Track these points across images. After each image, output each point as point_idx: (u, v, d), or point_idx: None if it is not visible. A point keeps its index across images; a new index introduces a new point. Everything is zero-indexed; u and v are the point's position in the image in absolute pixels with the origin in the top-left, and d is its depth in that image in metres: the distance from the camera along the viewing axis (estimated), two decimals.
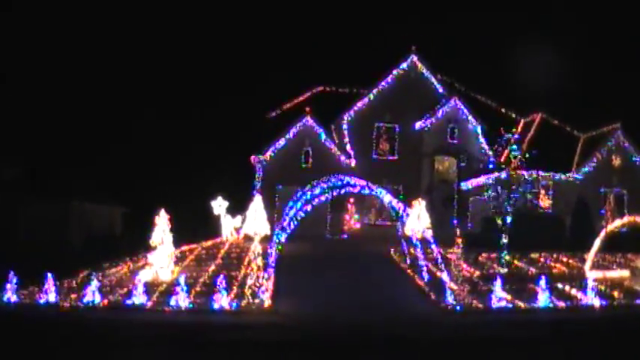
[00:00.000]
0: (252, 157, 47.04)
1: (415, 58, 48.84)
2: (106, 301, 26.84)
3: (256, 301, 25.89)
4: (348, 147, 47.33)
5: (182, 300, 25.98)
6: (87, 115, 63.70)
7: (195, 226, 45.19)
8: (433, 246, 31.96)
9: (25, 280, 28.88)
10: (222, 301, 25.90)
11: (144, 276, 30.80)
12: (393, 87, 48.59)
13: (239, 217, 46.79)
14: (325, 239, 44.36)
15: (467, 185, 47.09)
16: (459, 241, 32.00)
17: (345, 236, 44.99)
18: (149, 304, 26.28)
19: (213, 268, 32.20)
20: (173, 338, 22.39)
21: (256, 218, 40.33)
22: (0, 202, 47.17)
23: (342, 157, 46.65)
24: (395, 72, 48.69)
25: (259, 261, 26.25)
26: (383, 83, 48.44)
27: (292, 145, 46.65)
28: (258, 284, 26.25)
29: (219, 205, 43.29)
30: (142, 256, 37.67)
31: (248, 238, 40.77)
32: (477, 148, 48.21)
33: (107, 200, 54.03)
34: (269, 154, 46.46)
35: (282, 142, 46.46)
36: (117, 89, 67.59)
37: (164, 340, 22.18)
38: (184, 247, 37.51)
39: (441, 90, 48.90)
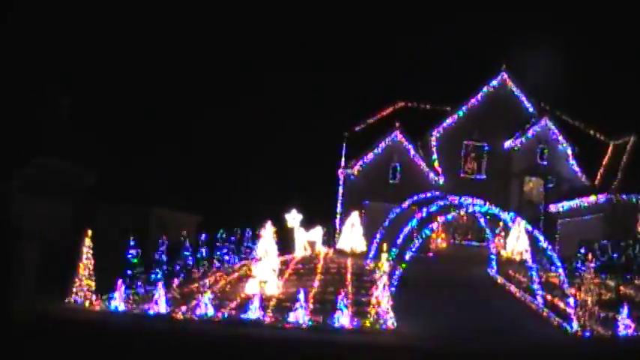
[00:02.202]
0: (340, 171, 46.32)
1: (505, 76, 47.82)
2: (219, 315, 26.17)
3: (380, 321, 25.05)
4: (436, 164, 46.31)
5: (302, 317, 25.25)
6: (162, 122, 63.33)
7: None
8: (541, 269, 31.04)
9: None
10: (343, 319, 25.14)
11: (249, 289, 30.21)
12: (482, 104, 47.60)
13: (314, 232, 46.27)
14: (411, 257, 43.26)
15: (557, 207, 45.84)
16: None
17: (432, 255, 43.99)
18: (267, 319, 25.57)
19: (317, 283, 31.48)
20: (297, 356, 21.60)
21: (352, 234, 40.12)
22: (79, 211, 46.89)
23: (431, 174, 45.70)
24: (485, 89, 47.60)
25: (384, 279, 25.28)
26: (472, 100, 47.39)
27: (380, 160, 45.87)
28: (381, 304, 25.35)
29: (292, 219, 42.73)
30: (227, 268, 37.29)
31: (341, 253, 40.29)
32: (566, 169, 46.96)
33: (182, 208, 53.61)
34: (357, 168, 45.62)
35: (370, 156, 45.64)
36: (196, 97, 67.28)
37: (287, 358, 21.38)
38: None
39: (531, 109, 47.78)
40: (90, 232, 28.75)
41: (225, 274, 35.84)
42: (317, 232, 46.45)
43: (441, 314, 27.25)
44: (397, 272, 27.18)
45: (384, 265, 25.72)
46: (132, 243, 34.43)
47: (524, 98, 47.93)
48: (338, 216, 47.27)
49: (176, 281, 33.60)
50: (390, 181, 45.84)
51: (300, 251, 41.12)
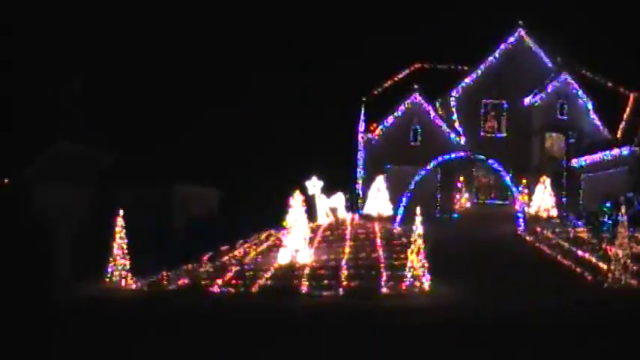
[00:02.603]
0: (361, 135, 46.23)
1: (522, 32, 47.52)
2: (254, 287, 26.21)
3: (417, 284, 25.15)
4: (456, 124, 46.17)
5: (338, 283, 25.35)
6: (174, 96, 63.18)
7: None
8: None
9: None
10: (380, 283, 25.26)
11: (281, 259, 30.35)
12: (499, 62, 47.42)
13: (335, 198, 46.32)
14: (436, 219, 43.28)
15: (579, 162, 45.67)
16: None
17: (456, 215, 43.97)
18: (303, 287, 25.67)
19: (348, 250, 31.57)
20: (342, 322, 21.60)
21: (378, 198, 40.17)
22: (100, 190, 46.96)
23: (452, 135, 45.58)
24: (502, 46, 47.30)
25: (419, 243, 25.31)
26: (490, 58, 47.18)
27: (400, 123, 45.77)
28: (417, 267, 25.40)
29: (313, 186, 42.74)
30: (253, 239, 37.37)
31: (368, 218, 40.36)
32: (587, 124, 46.73)
33: (203, 182, 53.64)
34: (377, 132, 45.50)
35: (390, 119, 45.52)
36: (209, 69, 67.00)
37: (334, 325, 21.34)
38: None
39: (549, 64, 47.48)
40: (122, 212, 28.66)
41: (253, 244, 35.95)
42: (338, 199, 46.61)
43: (473, 274, 27.17)
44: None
45: (418, 227, 25.68)
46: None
47: (542, 54, 47.64)
48: (360, 181, 47.27)
49: (206, 256, 33.63)
50: (411, 144, 45.79)
51: (322, 218, 41.18)
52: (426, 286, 25.17)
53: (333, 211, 45.12)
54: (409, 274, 25.32)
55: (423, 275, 25.28)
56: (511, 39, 47.52)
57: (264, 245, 35.02)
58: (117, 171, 49.47)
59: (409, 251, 25.60)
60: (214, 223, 46.24)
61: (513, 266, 29.32)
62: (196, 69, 65.87)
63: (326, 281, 25.87)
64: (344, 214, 45.41)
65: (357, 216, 42.32)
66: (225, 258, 32.69)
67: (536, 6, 52.14)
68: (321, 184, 42.83)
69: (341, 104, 59.16)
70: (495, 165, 36.90)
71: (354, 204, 47.07)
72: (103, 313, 22.24)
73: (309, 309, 23.18)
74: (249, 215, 44.47)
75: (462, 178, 44.99)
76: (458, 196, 45.21)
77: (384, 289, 25.08)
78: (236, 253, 34.05)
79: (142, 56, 62.93)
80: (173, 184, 48.79)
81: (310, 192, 42.34)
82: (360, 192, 47.05)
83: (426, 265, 25.47)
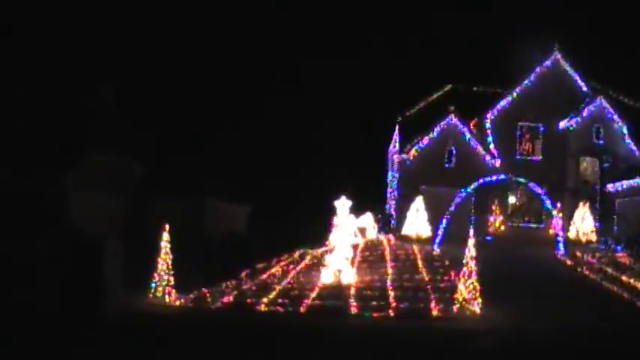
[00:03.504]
0: (396, 156, 46.14)
1: (559, 56, 47.42)
2: (302, 308, 25.99)
3: (468, 307, 24.93)
4: (492, 147, 46.01)
5: (388, 305, 25.15)
6: (206, 108, 63.41)
7: (318, 227, 44.34)
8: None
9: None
10: (430, 306, 25.04)
11: (325, 278, 30.18)
12: (535, 85, 47.27)
13: (364, 218, 46.17)
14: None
15: (615, 187, 45.38)
16: None
17: (489, 238, 43.69)
18: (353, 308, 25.47)
19: (390, 270, 31.37)
20: (387, 344, 21.40)
21: (417, 219, 40.00)
22: (132, 202, 46.85)
23: (487, 157, 45.41)
24: (538, 69, 47.22)
25: (470, 266, 25.13)
26: (526, 81, 47.06)
27: (435, 144, 45.60)
28: (468, 290, 25.21)
29: (342, 205, 42.43)
30: (288, 257, 37.19)
31: (405, 239, 40.17)
32: (622, 148, 46.49)
33: (232, 198, 53.51)
34: (412, 152, 45.37)
35: (425, 140, 45.37)
36: (244, 83, 67.26)
37: (387, 347, 21.12)
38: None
39: (585, 88, 47.33)
40: (167, 227, 28.58)
41: (289, 263, 35.77)
42: (367, 219, 46.46)
43: (520, 298, 26.96)
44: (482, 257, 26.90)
45: (472, 249, 25.50)
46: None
47: (577, 77, 47.54)
48: (394, 201, 47.13)
49: (244, 273, 33.43)
50: (446, 165, 45.58)
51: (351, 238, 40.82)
52: (477, 309, 24.92)
53: (362, 230, 44.99)
54: (460, 297, 25.05)
55: (475, 299, 25.02)
56: (547, 62, 47.43)
57: (302, 264, 34.81)
58: (148, 183, 49.37)
59: (461, 273, 25.37)
60: (245, 240, 46.17)
61: (559, 290, 29.09)
62: (231, 82, 66.15)
63: (374, 302, 25.59)
64: (373, 234, 45.30)
65: (391, 236, 42.05)
66: (264, 276, 32.50)
67: (571, 29, 51.95)
68: (350, 203, 42.53)
69: (372, 124, 59.31)
70: (536, 188, 36.70)
71: (386, 224, 46.89)
72: (153, 331, 22.15)
73: (359, 330, 23.00)
74: (277, 233, 44.28)
75: (496, 201, 44.71)
76: (492, 219, 44.91)
77: (435, 312, 24.81)
78: (273, 271, 33.82)
79: (176, 70, 63.19)
80: (204, 198, 48.64)
81: (339, 212, 42.02)
82: (393, 212, 46.82)
83: (478, 288, 25.22)
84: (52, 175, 44.52)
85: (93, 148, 47.64)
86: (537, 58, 47.70)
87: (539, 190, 37.13)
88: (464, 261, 25.78)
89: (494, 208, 44.96)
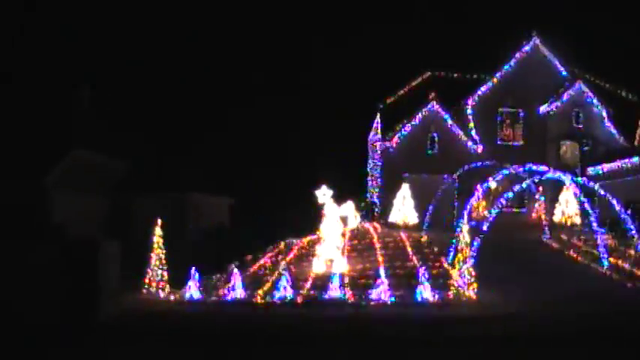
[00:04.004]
0: (378, 143, 46.12)
1: (538, 41, 47.66)
2: (299, 298, 25.99)
3: (465, 292, 25.08)
4: (473, 132, 46.19)
5: (384, 293, 25.20)
6: (181, 103, 63.06)
7: (300, 217, 44.28)
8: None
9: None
10: (426, 293, 25.13)
11: (317, 268, 30.19)
12: (515, 71, 47.51)
13: (345, 207, 46.08)
14: (454, 227, 43.14)
15: (595, 170, 45.79)
16: None
17: (474, 224, 43.81)
18: (349, 297, 25.50)
19: (380, 258, 31.43)
20: (388, 332, 21.47)
21: (404, 206, 40.06)
22: (114, 199, 46.51)
23: (469, 143, 45.60)
24: (517, 55, 47.46)
25: (465, 252, 25.27)
26: (506, 67, 47.27)
27: (417, 131, 45.69)
28: (464, 275, 25.34)
29: (323, 195, 42.36)
30: (274, 249, 37.09)
31: (392, 227, 40.23)
32: (602, 132, 46.93)
33: (214, 191, 53.24)
34: (395, 140, 45.42)
35: (407, 128, 45.42)
36: (217, 74, 66.91)
37: (374, 337, 21.14)
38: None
39: (564, 73, 47.66)
40: (160, 222, 28.40)
41: (277, 254, 35.69)
42: (348, 207, 46.39)
43: (512, 282, 27.18)
44: (475, 242, 27.03)
45: (465, 235, 25.65)
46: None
47: (557, 62, 47.80)
48: (377, 189, 47.18)
49: (232, 266, 33.17)
50: (429, 152, 45.69)
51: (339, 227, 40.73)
52: (473, 295, 25.08)
53: (344, 219, 44.90)
54: (456, 283, 25.20)
55: (470, 284, 25.17)
56: (526, 48, 47.66)
57: (291, 255, 34.71)
58: (129, 180, 48.95)
59: (456, 259, 25.50)
60: (228, 232, 46.02)
61: (549, 273, 29.45)
62: (208, 76, 65.80)
63: (371, 290, 25.63)
64: (354, 223, 45.26)
65: (376, 224, 42.05)
66: (254, 267, 32.39)
67: (549, 14, 52.23)
68: (331, 192, 42.47)
69: (351, 112, 59.32)
70: (522, 173, 36.91)
71: (369, 212, 46.90)
72: (152, 328, 22.06)
73: (360, 320, 23.01)
74: (260, 224, 44.19)
75: (478, 186, 44.83)
76: (476, 205, 45.05)
77: (431, 298, 24.92)
78: (262, 262, 33.72)
79: (155, 66, 62.77)
80: (186, 192, 48.31)
81: (320, 201, 41.95)
82: (377, 200, 46.88)
83: (473, 273, 25.37)
84: (33, 175, 44.17)
85: (74, 145, 47.24)
86: (516, 44, 47.87)
87: (525, 176, 37.28)
88: (458, 247, 25.87)
89: (476, 193, 44.97)
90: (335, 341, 20.26)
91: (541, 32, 47.78)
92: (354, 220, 46.12)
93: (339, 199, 44.12)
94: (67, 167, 46.84)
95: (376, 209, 46.48)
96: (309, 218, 42.65)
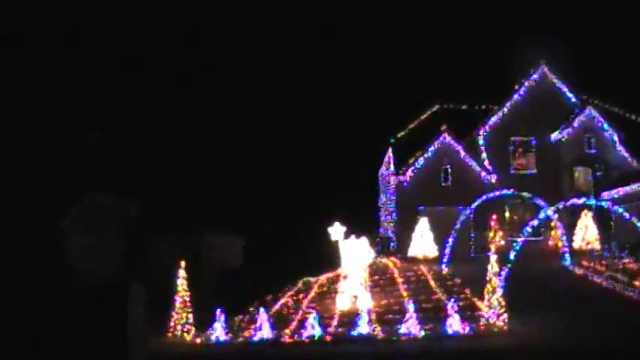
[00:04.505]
0: (392, 178, 46.05)
1: (546, 69, 47.79)
2: (328, 336, 25.70)
3: (495, 323, 24.84)
4: (486, 163, 46.13)
5: (414, 327, 24.96)
6: (190, 141, 63.29)
7: (315, 255, 43.95)
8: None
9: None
10: (455, 325, 24.89)
11: (341, 305, 29.97)
12: (525, 99, 47.55)
13: (359, 242, 45.80)
14: (472, 258, 42.88)
15: (610, 195, 45.59)
16: None
17: (490, 254, 43.52)
18: (379, 333, 25.27)
19: (404, 293, 31.23)
20: None
21: (423, 240, 39.87)
22: (127, 243, 46.46)
23: (483, 173, 45.52)
24: (526, 84, 47.59)
25: (494, 282, 25.07)
26: (515, 96, 47.36)
27: (430, 164, 45.60)
28: (493, 306, 25.12)
29: (336, 231, 42.17)
30: (293, 287, 36.85)
31: (412, 261, 40.02)
32: (615, 156, 46.84)
33: (226, 231, 53.14)
34: (408, 173, 45.34)
35: (420, 161, 45.37)
36: (227, 112, 67.17)
37: None
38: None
39: (573, 99, 47.74)
40: (184, 264, 28.24)
41: (297, 292, 35.46)
42: (362, 243, 46.07)
43: (540, 311, 26.94)
44: (504, 272, 26.84)
45: (494, 265, 25.49)
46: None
47: (565, 89, 47.89)
48: (392, 223, 47.02)
49: (253, 307, 32.79)
50: (442, 184, 45.59)
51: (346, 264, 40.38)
52: (504, 325, 24.84)
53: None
54: (486, 314, 24.98)
55: (500, 315, 24.95)
56: (535, 76, 47.79)
57: (312, 293, 34.49)
58: (143, 221, 48.96)
59: (485, 290, 25.32)
60: (244, 272, 45.81)
61: (577, 300, 29.13)
62: (215, 113, 66.09)
63: (399, 325, 25.40)
64: (369, 259, 44.99)
65: (393, 258, 41.81)
66: (276, 307, 32.16)
67: (552, 42, 52.40)
68: (343, 229, 42.27)
69: (360, 148, 59.36)
70: (540, 202, 36.84)
71: (385, 247, 46.69)
72: None
73: (392, 355, 22.78)
74: (275, 263, 43.98)
75: (494, 216, 44.75)
76: (491, 235, 44.88)
77: (461, 331, 24.67)
78: (283, 301, 33.48)
79: (162, 102, 63.08)
80: (202, 233, 48.26)
81: (333, 238, 41.69)
82: (392, 235, 46.72)
83: (503, 303, 25.15)
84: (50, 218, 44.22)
85: (88, 187, 47.36)
86: (524, 72, 48.02)
87: (542, 203, 37.18)
88: (487, 277, 25.71)
89: (492, 223, 44.87)
90: None
91: (548, 60, 47.85)
92: (368, 255, 45.82)
93: (353, 234, 43.97)
94: (83, 210, 47.02)
95: (392, 243, 46.26)
96: (323, 256, 42.48)
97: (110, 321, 22.32)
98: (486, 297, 25.53)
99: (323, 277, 37.71)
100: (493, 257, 25.70)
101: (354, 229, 44.64)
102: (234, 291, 36.99)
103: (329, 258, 41.43)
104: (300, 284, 37.85)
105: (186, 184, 57.27)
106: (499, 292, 25.42)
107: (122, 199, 49.76)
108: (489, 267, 25.66)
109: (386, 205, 50.45)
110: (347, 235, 42.67)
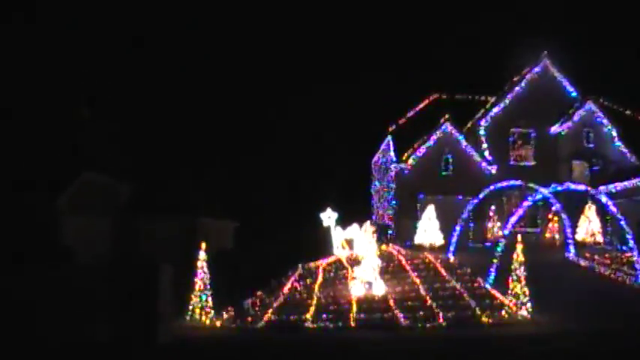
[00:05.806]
0: (392, 165, 46.05)
1: (547, 62, 48.03)
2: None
3: (519, 312, 25.00)
4: (486, 153, 46.30)
5: (437, 315, 25.01)
6: (187, 124, 62.88)
7: (305, 240, 43.92)
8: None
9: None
10: (478, 313, 25.01)
11: (355, 291, 29.90)
12: (526, 91, 47.74)
13: (351, 229, 45.86)
14: (470, 248, 42.92)
15: (608, 189, 45.96)
16: None
17: (489, 244, 43.85)
18: (401, 320, 25.27)
19: (417, 280, 31.24)
20: (447, 354, 21.29)
21: (429, 228, 39.94)
22: (119, 223, 46.08)
23: (483, 164, 45.70)
24: (528, 76, 47.79)
25: (520, 271, 25.20)
26: (517, 88, 47.55)
27: (432, 153, 45.68)
28: (517, 295, 25.27)
29: (328, 217, 42.20)
30: (296, 272, 36.70)
31: (417, 248, 40.07)
32: (613, 151, 47.26)
33: (220, 214, 52.84)
34: (410, 162, 45.39)
35: (422, 149, 45.43)
36: (225, 98, 66.80)
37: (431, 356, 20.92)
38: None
39: (574, 93, 48.03)
40: (204, 245, 28.00)
41: (303, 278, 35.29)
42: (354, 230, 46.12)
43: (556, 301, 27.06)
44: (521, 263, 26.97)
45: (520, 255, 25.62)
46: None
47: (566, 83, 48.14)
48: (391, 211, 47.07)
49: (260, 291, 32.62)
50: (443, 173, 45.71)
51: (337, 250, 40.47)
52: (527, 314, 25.00)
53: (349, 242, 44.66)
54: (511, 302, 25.14)
55: (524, 304, 25.11)
56: (536, 68, 48.00)
57: (320, 278, 34.34)
58: (134, 203, 48.54)
59: (510, 279, 25.45)
60: (239, 256, 45.53)
61: (586, 291, 29.40)
62: (213, 99, 65.71)
63: (421, 312, 25.45)
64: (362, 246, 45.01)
65: (392, 246, 41.83)
66: (286, 292, 31.98)
67: (556, 35, 52.69)
68: (335, 215, 42.26)
69: (355, 135, 59.39)
70: (547, 193, 37.02)
71: (383, 235, 46.66)
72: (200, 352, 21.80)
73: (416, 342, 22.77)
74: (265, 247, 43.89)
75: (492, 207, 44.96)
76: (490, 225, 45.12)
77: (485, 319, 24.78)
78: (290, 286, 33.28)
79: (161, 90, 62.56)
80: (195, 216, 47.89)
81: (325, 224, 41.68)
82: (390, 223, 46.76)
83: (527, 292, 25.32)
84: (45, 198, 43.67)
85: (83, 168, 46.82)
86: (527, 65, 48.26)
87: (547, 195, 37.39)
88: (512, 266, 25.85)
89: (491, 214, 45.10)
90: None
91: (550, 53, 48.09)
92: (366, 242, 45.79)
93: (346, 222, 43.96)
94: (77, 190, 46.54)
95: (390, 231, 46.29)
96: (314, 241, 42.50)
97: (143, 298, 22.32)
98: (511, 286, 25.62)
99: (323, 263, 37.53)
100: (519, 247, 25.75)
101: (347, 215, 44.77)
102: (238, 275, 36.69)
103: (320, 244, 41.51)
104: (300, 269, 37.62)
105: (180, 165, 56.94)
106: (523, 281, 25.50)
107: (116, 179, 49.32)
108: (515, 256, 25.74)
109: (382, 192, 50.49)
110: (338, 222, 42.83)
